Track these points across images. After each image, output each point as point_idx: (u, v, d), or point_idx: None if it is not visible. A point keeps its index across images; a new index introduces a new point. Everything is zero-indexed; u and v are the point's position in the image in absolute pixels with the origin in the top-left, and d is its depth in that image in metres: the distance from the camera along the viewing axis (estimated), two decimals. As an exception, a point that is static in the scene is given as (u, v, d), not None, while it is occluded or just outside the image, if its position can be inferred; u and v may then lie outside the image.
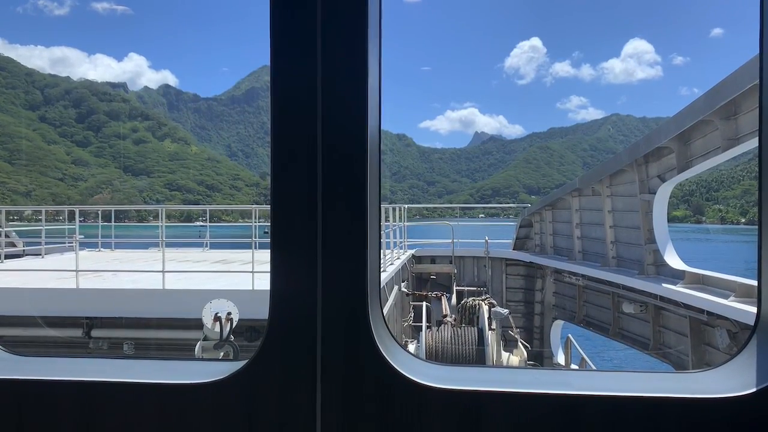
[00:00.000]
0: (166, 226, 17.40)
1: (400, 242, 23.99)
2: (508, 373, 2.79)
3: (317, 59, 2.46)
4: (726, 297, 12.79)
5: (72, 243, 18.88)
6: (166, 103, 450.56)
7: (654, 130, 16.09)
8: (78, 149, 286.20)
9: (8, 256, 20.99)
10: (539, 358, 23.00)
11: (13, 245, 23.02)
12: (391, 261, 20.49)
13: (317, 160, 2.46)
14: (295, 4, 2.46)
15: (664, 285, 14.92)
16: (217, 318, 11.39)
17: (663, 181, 15.64)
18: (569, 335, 19.11)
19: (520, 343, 16.13)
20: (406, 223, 25.68)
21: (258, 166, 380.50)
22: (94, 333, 14.01)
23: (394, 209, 24.67)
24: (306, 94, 2.47)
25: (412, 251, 25.51)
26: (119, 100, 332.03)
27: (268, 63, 2.51)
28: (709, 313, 13.39)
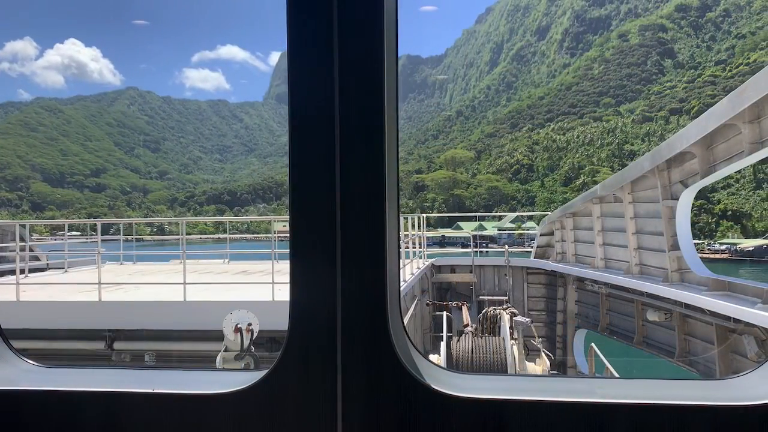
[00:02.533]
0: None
1: (419, 251, 23.93)
2: (532, 381, 2.74)
3: (334, 69, 2.46)
4: (753, 304, 12.55)
5: (94, 256, 19.12)
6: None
7: (675, 135, 15.89)
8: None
9: (32, 270, 21.30)
10: (562, 367, 22.72)
11: (37, 259, 23.36)
12: (411, 271, 20.43)
13: (335, 170, 2.45)
14: (311, 11, 2.46)
15: (688, 293, 14.69)
16: (237, 329, 11.42)
17: (686, 186, 15.42)
18: (592, 344, 18.86)
19: (542, 353, 15.96)
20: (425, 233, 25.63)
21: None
22: (117, 345, 14.15)
23: (413, 218, 24.66)
24: (324, 103, 2.46)
25: (432, 260, 25.43)
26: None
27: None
28: (736, 321, 13.14)
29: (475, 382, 2.62)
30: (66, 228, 22.59)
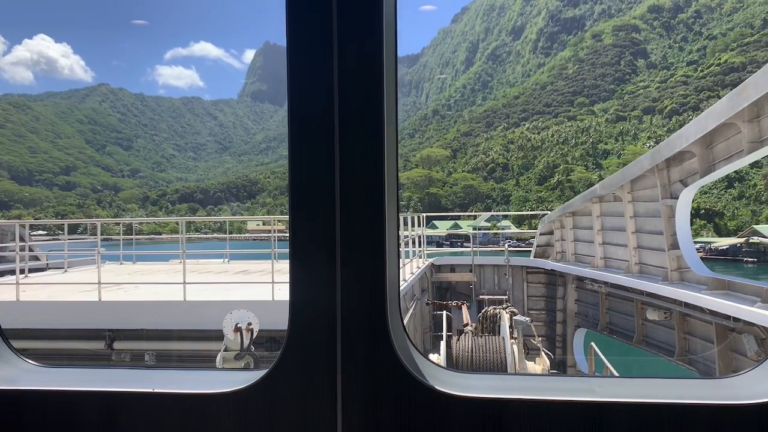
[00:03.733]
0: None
1: (419, 251, 23.94)
2: (532, 380, 2.74)
3: (334, 69, 2.46)
4: (752, 303, 12.56)
5: (94, 256, 19.12)
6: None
7: (675, 134, 15.91)
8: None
9: (32, 270, 21.29)
10: (562, 366, 22.73)
11: (37, 259, 23.35)
12: (411, 270, 20.42)
13: (335, 170, 2.46)
14: (311, 11, 2.46)
15: (688, 291, 14.69)
16: (237, 328, 11.42)
17: (685, 185, 15.42)
18: (592, 343, 18.87)
19: (542, 352, 15.97)
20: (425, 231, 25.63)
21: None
22: (117, 345, 14.14)
23: (412, 217, 24.65)
24: (323, 103, 2.46)
25: (432, 260, 25.43)
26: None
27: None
28: (736, 320, 13.15)
29: (475, 381, 2.62)
30: (66, 229, 22.58)
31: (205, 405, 2.53)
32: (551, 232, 24.93)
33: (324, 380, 2.47)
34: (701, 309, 14.52)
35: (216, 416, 2.52)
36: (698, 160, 14.60)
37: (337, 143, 2.45)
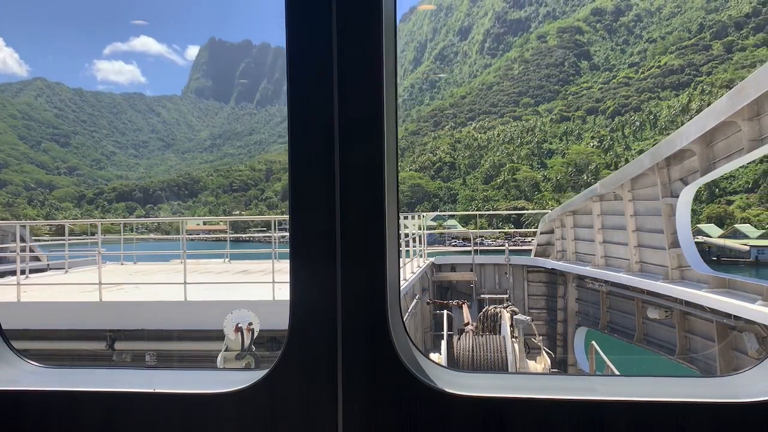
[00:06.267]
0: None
1: (420, 250, 23.94)
2: (532, 379, 2.74)
3: (333, 69, 2.45)
4: (753, 301, 12.55)
5: (95, 257, 19.13)
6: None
7: (675, 132, 15.89)
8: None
9: (33, 271, 21.29)
10: (563, 365, 22.73)
11: (38, 259, 23.35)
12: (411, 269, 20.42)
13: (335, 170, 2.46)
14: (310, 12, 2.46)
15: (689, 290, 14.68)
16: (238, 328, 11.43)
17: (685, 184, 15.41)
18: (593, 342, 18.87)
19: (543, 351, 15.97)
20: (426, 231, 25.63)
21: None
22: (118, 345, 14.14)
23: (413, 217, 24.64)
24: (323, 103, 2.46)
25: (432, 259, 25.43)
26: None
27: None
28: (736, 318, 13.15)
29: (475, 380, 2.62)
30: (66, 229, 22.58)
31: (206, 405, 2.53)
32: (552, 231, 24.91)
33: (325, 379, 2.47)
34: (702, 307, 14.51)
35: (217, 416, 2.52)
36: (698, 158, 14.59)
37: (336, 143, 2.46)
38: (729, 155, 13.62)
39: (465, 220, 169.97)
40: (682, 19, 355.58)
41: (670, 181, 16.09)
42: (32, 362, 2.93)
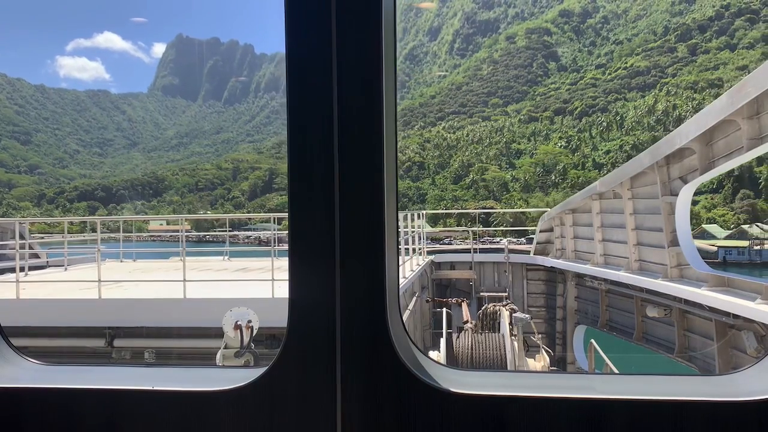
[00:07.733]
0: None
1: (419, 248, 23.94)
2: (532, 377, 2.75)
3: (333, 69, 2.45)
4: (752, 300, 12.57)
5: (94, 254, 19.13)
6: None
7: (675, 131, 15.89)
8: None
9: (32, 268, 21.29)
10: (562, 363, 22.75)
11: (37, 257, 23.35)
12: (411, 268, 20.43)
13: (334, 169, 2.46)
14: (310, 11, 2.46)
15: (688, 288, 14.69)
16: (237, 326, 11.42)
17: (685, 182, 15.42)
18: (592, 340, 18.89)
19: (542, 349, 15.98)
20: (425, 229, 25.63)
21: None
22: (117, 343, 14.14)
23: (413, 215, 24.64)
24: (322, 102, 2.46)
25: (432, 257, 25.44)
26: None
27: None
28: (735, 316, 13.16)
29: (475, 378, 2.63)
30: (65, 227, 22.57)
31: (205, 402, 2.54)
32: (551, 230, 24.92)
33: (324, 377, 2.47)
34: (701, 306, 14.53)
35: (216, 413, 2.52)
36: (698, 157, 14.59)
37: (336, 142, 2.45)
38: (728, 154, 13.62)
39: (433, 220, 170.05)
40: (648, 21, 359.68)
41: (669, 179, 16.09)
42: (31, 359, 2.93)
